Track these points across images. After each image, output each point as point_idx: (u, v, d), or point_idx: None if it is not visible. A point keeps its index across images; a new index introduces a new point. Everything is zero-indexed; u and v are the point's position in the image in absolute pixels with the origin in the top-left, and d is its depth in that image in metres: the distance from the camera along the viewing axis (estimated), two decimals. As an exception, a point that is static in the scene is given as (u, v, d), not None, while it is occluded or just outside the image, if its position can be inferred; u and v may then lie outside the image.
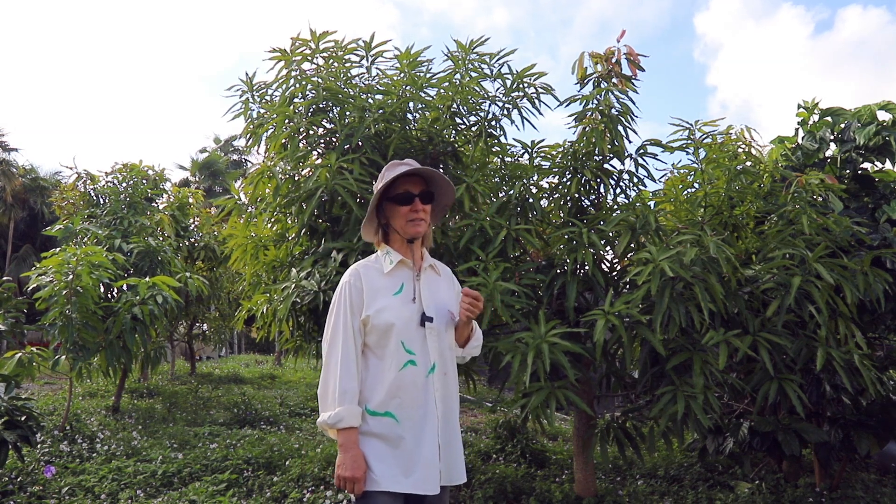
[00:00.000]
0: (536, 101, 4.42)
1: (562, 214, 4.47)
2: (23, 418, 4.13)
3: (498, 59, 4.36)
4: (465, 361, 2.30)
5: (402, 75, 4.40)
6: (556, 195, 4.57)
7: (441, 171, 4.57)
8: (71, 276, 5.72)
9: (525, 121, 4.44)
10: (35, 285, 5.83)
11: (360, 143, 4.27)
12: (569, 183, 4.38)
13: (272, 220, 4.89)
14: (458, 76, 4.38)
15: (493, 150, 4.72)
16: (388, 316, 2.01)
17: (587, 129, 4.24)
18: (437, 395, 2.04)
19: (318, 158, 4.56)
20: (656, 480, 5.13)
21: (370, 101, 4.35)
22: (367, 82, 4.52)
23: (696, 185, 4.47)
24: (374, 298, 2.03)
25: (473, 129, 4.53)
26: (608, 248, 4.16)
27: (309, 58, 4.39)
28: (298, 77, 4.35)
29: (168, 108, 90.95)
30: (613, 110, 4.17)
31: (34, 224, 30.22)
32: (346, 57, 4.47)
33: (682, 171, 4.53)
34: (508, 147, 4.69)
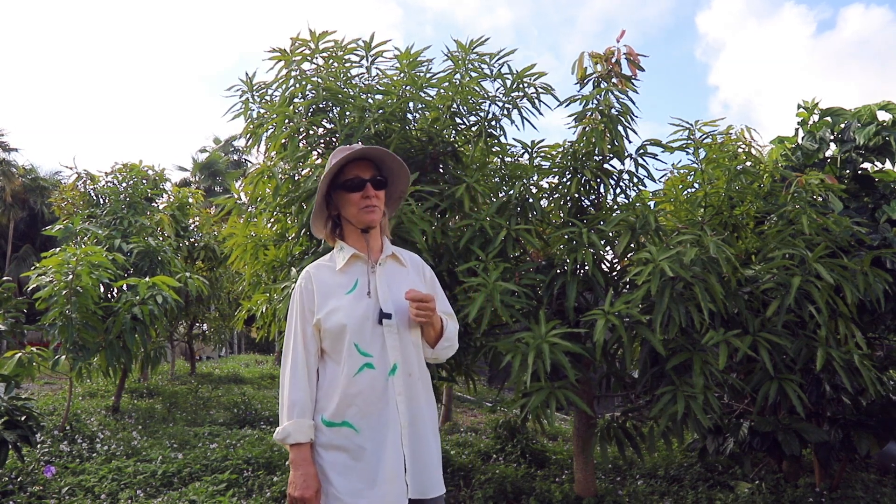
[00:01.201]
0: (536, 101, 4.42)
1: (562, 214, 4.47)
2: (23, 418, 4.13)
3: (498, 59, 4.36)
4: (437, 362, 2.10)
5: (402, 75, 4.40)
6: (556, 195, 4.57)
7: (441, 169, 4.57)
8: (71, 276, 5.72)
9: (525, 121, 4.44)
10: (35, 285, 5.83)
11: (360, 143, 4.27)
12: (569, 183, 4.38)
13: (272, 219, 4.89)
14: (458, 76, 4.38)
15: (493, 150, 4.72)
16: (338, 317, 1.85)
17: (587, 129, 4.24)
18: (400, 398, 1.86)
19: (318, 158, 4.56)
20: (656, 480, 5.13)
21: (370, 101, 4.34)
22: (366, 82, 4.52)
23: (696, 185, 4.47)
24: (326, 300, 1.89)
25: (473, 129, 4.53)
26: (608, 248, 4.17)
27: (309, 58, 4.39)
28: (298, 77, 4.35)
29: (168, 109, 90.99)
30: (613, 110, 4.17)
31: (34, 224, 30.22)
32: (346, 57, 4.47)
33: (682, 171, 4.53)
34: (508, 147, 4.69)
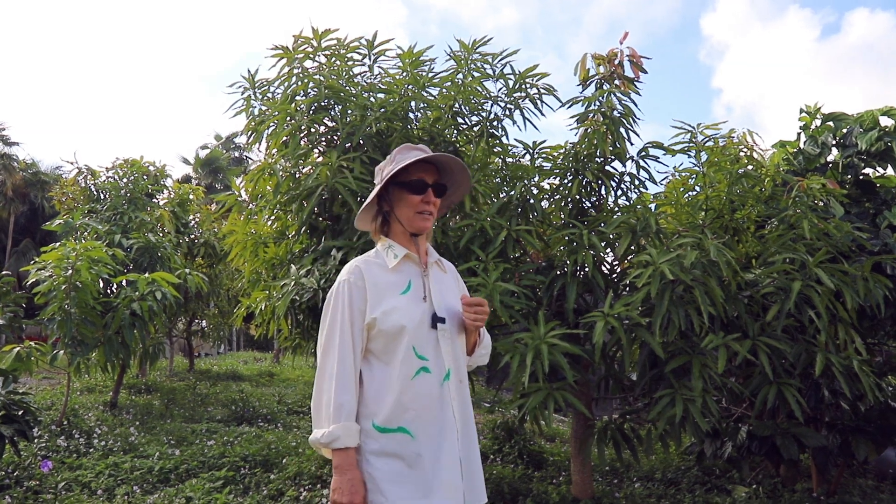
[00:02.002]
0: (538, 102, 4.42)
1: (562, 216, 4.47)
2: (20, 413, 4.13)
3: (500, 59, 4.36)
4: (470, 370, 2.06)
5: (404, 74, 4.40)
6: (557, 196, 4.57)
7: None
8: (70, 271, 5.71)
9: (527, 121, 4.44)
10: (34, 280, 5.83)
11: (361, 142, 4.27)
12: (570, 184, 4.38)
13: (272, 217, 4.89)
14: (460, 76, 4.37)
15: (495, 150, 4.71)
16: (397, 318, 1.76)
17: (589, 130, 4.23)
18: (455, 404, 1.80)
19: (319, 156, 4.56)
20: (653, 483, 5.12)
21: (372, 99, 4.34)
22: (369, 81, 4.52)
23: (697, 188, 4.47)
24: (381, 298, 1.78)
25: (475, 129, 4.53)
26: (608, 250, 4.16)
27: (311, 56, 4.39)
28: (300, 75, 4.35)
29: (170, 107, 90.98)
30: (615, 112, 4.16)
31: (34, 218, 30.22)
32: (349, 55, 4.47)
33: (683, 173, 4.53)
34: (510, 147, 4.68)
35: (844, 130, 4.85)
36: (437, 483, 1.72)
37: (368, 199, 1.90)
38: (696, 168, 4.31)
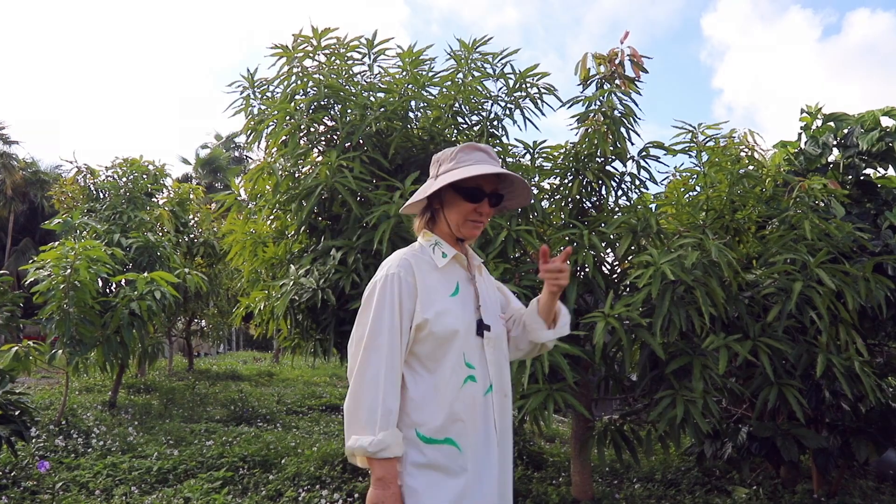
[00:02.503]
0: (539, 102, 4.40)
1: (563, 216, 4.45)
2: (17, 413, 4.11)
3: (501, 59, 4.35)
4: (550, 347, 1.97)
5: (404, 74, 4.39)
6: (558, 196, 4.55)
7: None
8: (69, 271, 5.70)
9: (527, 121, 4.43)
10: (33, 279, 5.81)
11: (360, 142, 4.26)
12: (570, 184, 4.36)
13: (271, 216, 4.88)
14: (460, 75, 4.36)
15: (495, 150, 4.69)
16: (450, 321, 1.64)
17: (589, 130, 4.22)
18: (497, 417, 1.70)
19: (318, 156, 4.55)
20: (653, 484, 5.11)
21: (372, 98, 4.33)
22: (368, 80, 4.51)
23: (697, 189, 4.45)
24: (432, 298, 1.65)
25: (475, 128, 4.52)
26: (609, 250, 4.15)
27: (311, 55, 4.38)
28: (300, 74, 4.34)
29: (171, 106, 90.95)
30: (616, 112, 4.15)
31: (34, 217, 30.20)
32: (349, 54, 4.45)
33: (684, 174, 4.51)
34: (510, 147, 4.67)
35: (845, 131, 4.84)
36: (477, 498, 1.64)
37: (419, 193, 1.78)
38: (697, 168, 4.30)
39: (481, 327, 1.71)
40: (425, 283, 1.66)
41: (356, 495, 4.52)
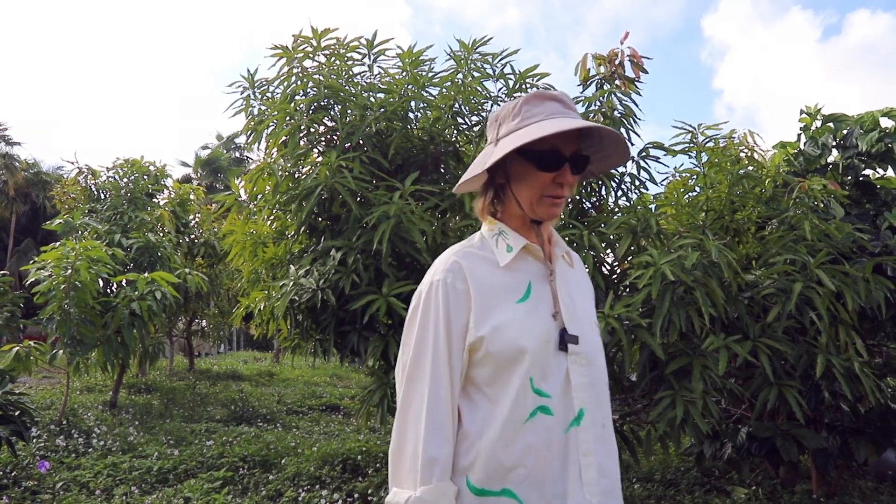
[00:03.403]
0: (539, 102, 4.40)
1: (562, 216, 4.46)
2: (17, 413, 4.12)
3: (501, 59, 4.35)
4: None
5: (404, 74, 4.39)
6: (557, 197, 4.55)
7: (442, 169, 4.54)
8: (69, 271, 5.71)
9: (527, 122, 4.42)
10: (33, 279, 5.82)
11: (360, 142, 4.26)
12: (570, 185, 4.36)
13: (271, 217, 4.88)
14: (460, 76, 4.36)
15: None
16: (513, 336, 1.24)
17: (589, 130, 4.21)
18: (588, 460, 1.25)
19: (318, 156, 4.55)
20: (653, 484, 5.11)
21: (372, 99, 4.33)
22: (368, 80, 4.51)
23: (697, 189, 4.45)
24: (489, 308, 1.26)
25: (475, 129, 4.52)
26: (609, 250, 4.15)
27: (310, 55, 4.38)
28: (300, 74, 4.34)
29: (171, 106, 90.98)
30: (616, 112, 4.15)
31: (36, 218, 30.24)
32: (348, 55, 4.45)
33: (683, 174, 4.52)
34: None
35: (845, 131, 4.84)
36: None
37: (477, 167, 1.34)
38: (697, 169, 4.30)
39: (565, 339, 1.28)
40: (482, 288, 1.27)
41: (356, 495, 4.52)
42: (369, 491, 4.57)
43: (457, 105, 4.41)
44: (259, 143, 4.54)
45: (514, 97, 4.35)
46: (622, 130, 4.15)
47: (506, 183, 1.34)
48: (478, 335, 1.25)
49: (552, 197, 1.30)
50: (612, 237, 4.00)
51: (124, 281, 6.27)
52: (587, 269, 3.87)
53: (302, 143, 4.44)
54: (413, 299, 1.34)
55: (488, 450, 1.24)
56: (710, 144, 4.26)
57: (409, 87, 4.31)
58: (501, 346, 1.24)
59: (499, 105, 4.42)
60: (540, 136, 1.21)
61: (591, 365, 1.31)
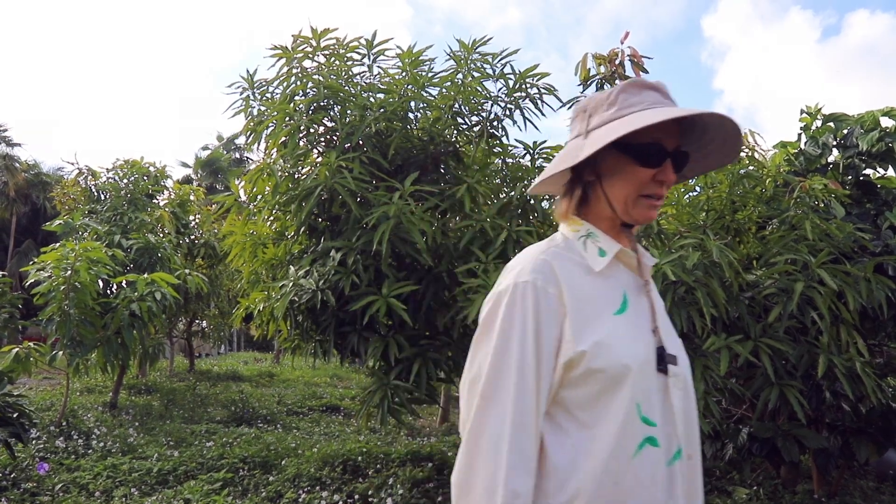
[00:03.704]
0: (539, 102, 4.40)
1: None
2: (15, 415, 4.11)
3: (500, 59, 4.34)
4: None
5: (403, 74, 4.38)
6: (558, 197, 4.54)
7: (442, 169, 4.53)
8: (69, 272, 5.70)
9: (527, 122, 4.42)
10: (33, 280, 5.82)
11: (360, 142, 4.25)
12: (570, 185, 4.35)
13: (271, 217, 4.88)
14: (460, 76, 4.36)
15: (495, 150, 4.69)
16: (618, 354, 1.07)
17: (589, 130, 4.21)
18: (684, 495, 1.12)
19: (318, 157, 4.54)
20: (654, 485, 5.10)
21: (371, 99, 4.32)
22: (368, 81, 4.50)
23: (697, 189, 4.45)
24: (587, 319, 1.08)
25: (475, 129, 4.51)
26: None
27: (310, 55, 4.38)
28: (299, 74, 4.33)
29: (171, 106, 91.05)
30: (616, 112, 4.14)
31: (36, 219, 30.23)
32: (348, 55, 4.45)
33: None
34: (510, 148, 4.66)
35: (845, 131, 4.83)
36: None
37: (563, 162, 1.17)
38: (697, 168, 4.29)
39: (664, 359, 1.12)
40: (577, 294, 1.09)
41: (356, 497, 4.51)
42: (370, 492, 4.56)
43: (457, 105, 4.40)
44: (258, 144, 4.54)
45: (515, 97, 4.38)
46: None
47: (595, 181, 1.18)
48: (578, 349, 1.05)
49: (650, 197, 1.14)
50: (612, 237, 3.99)
51: (124, 282, 6.27)
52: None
53: (301, 143, 4.43)
54: (487, 303, 1.13)
55: (592, 488, 1.04)
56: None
57: (409, 87, 4.30)
58: (604, 365, 1.06)
59: (499, 105, 4.42)
60: (645, 125, 1.06)
61: (686, 389, 1.15)
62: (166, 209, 9.14)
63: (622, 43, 4.26)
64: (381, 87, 4.41)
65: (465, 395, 1.10)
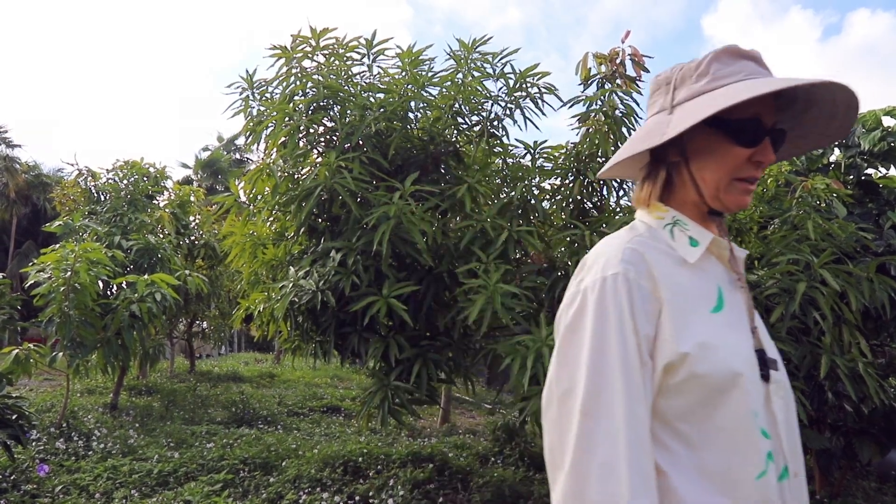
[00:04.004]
0: (539, 102, 4.39)
1: (564, 216, 4.43)
2: (14, 417, 4.09)
3: (501, 59, 4.33)
4: None
5: (403, 74, 4.37)
6: (559, 197, 4.53)
7: (442, 169, 4.52)
8: (69, 273, 5.69)
9: (528, 121, 4.41)
10: (33, 281, 5.80)
11: (360, 142, 4.24)
12: (571, 185, 4.34)
13: (271, 218, 4.86)
14: (460, 75, 4.34)
15: (496, 150, 4.68)
16: (724, 357, 0.94)
17: (590, 130, 4.20)
18: None
19: (317, 157, 4.53)
20: (656, 486, 5.08)
21: (371, 99, 4.31)
22: (368, 80, 4.49)
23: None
24: (686, 317, 0.95)
25: (475, 128, 4.50)
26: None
27: (309, 55, 4.36)
28: (299, 74, 4.32)
29: (171, 106, 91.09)
30: (617, 111, 4.13)
31: (37, 220, 30.23)
32: (347, 55, 4.43)
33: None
34: (510, 147, 4.65)
35: (847, 130, 4.82)
36: None
37: (644, 141, 1.03)
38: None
39: (766, 364, 0.99)
40: (672, 288, 0.96)
41: (357, 498, 4.50)
42: (370, 493, 4.54)
43: (457, 105, 4.39)
44: (258, 144, 4.52)
45: (515, 96, 4.36)
46: (622, 131, 4.12)
47: (680, 162, 1.04)
48: (680, 351, 0.92)
49: (745, 181, 1.01)
50: (613, 237, 3.97)
51: (124, 283, 6.25)
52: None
53: (301, 143, 4.42)
54: (569, 305, 0.99)
55: None
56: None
57: (409, 86, 4.29)
58: (710, 370, 0.92)
59: (499, 104, 4.40)
60: (751, 97, 0.91)
61: (788, 398, 1.02)
62: (166, 210, 9.12)
63: (623, 42, 4.24)
64: (381, 86, 4.40)
65: (555, 414, 0.93)
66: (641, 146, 1.03)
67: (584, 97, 4.26)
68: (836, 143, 4.81)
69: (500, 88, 4.40)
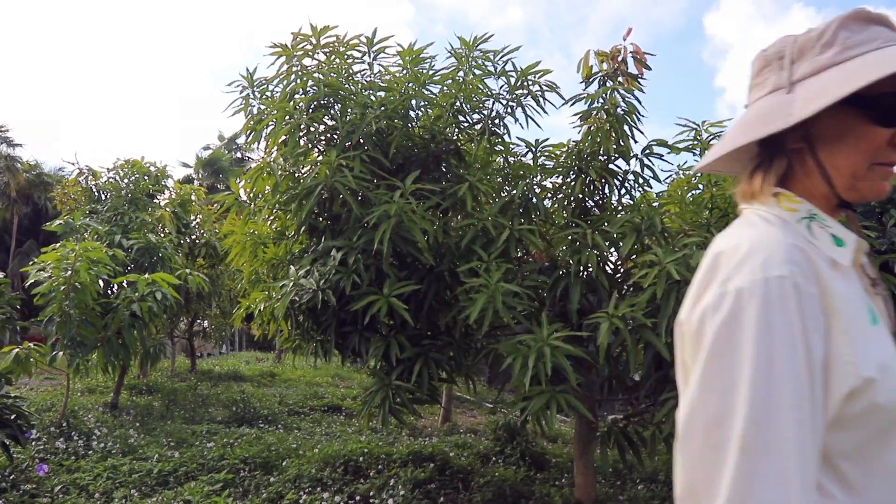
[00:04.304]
0: (541, 99, 4.36)
1: (565, 215, 4.41)
2: (13, 417, 4.08)
3: (502, 56, 4.31)
4: None
5: (404, 72, 4.35)
6: (560, 195, 4.51)
7: (443, 167, 4.50)
8: (69, 272, 5.67)
9: (529, 119, 4.39)
10: (34, 280, 5.79)
11: (361, 141, 4.22)
12: (573, 183, 4.32)
13: (271, 217, 4.85)
14: (461, 73, 4.32)
15: (497, 148, 4.66)
16: None
17: (592, 128, 4.18)
18: None
19: (318, 155, 4.51)
20: (657, 485, 5.06)
21: (372, 97, 4.29)
22: (369, 79, 4.47)
23: (701, 187, 4.40)
24: (856, 333, 0.80)
25: (477, 127, 4.48)
26: (612, 249, 4.10)
27: (310, 53, 4.34)
28: (299, 73, 4.30)
29: (172, 106, 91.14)
30: (619, 109, 4.11)
31: (38, 219, 30.23)
32: (348, 53, 4.41)
33: (687, 172, 4.47)
34: (512, 146, 4.63)
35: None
36: None
37: (761, 126, 0.87)
38: (701, 166, 4.25)
39: None
40: (839, 297, 0.80)
41: (357, 497, 4.48)
42: (371, 493, 4.53)
43: (458, 103, 4.36)
44: (258, 143, 4.50)
45: (516, 94, 4.33)
46: (625, 128, 4.10)
47: (805, 147, 0.88)
48: (864, 376, 0.76)
49: (883, 164, 0.86)
50: (615, 236, 3.95)
51: (125, 282, 6.24)
52: (591, 269, 3.86)
53: (302, 142, 4.40)
54: (715, 304, 0.79)
55: None
56: (714, 142, 4.21)
57: (410, 84, 4.27)
58: (891, 399, 0.78)
59: (500, 102, 4.38)
60: (885, 72, 0.77)
61: None
62: (167, 209, 9.11)
63: (624, 39, 4.22)
64: (382, 84, 4.38)
65: (699, 446, 0.76)
66: (762, 131, 0.86)
67: (585, 95, 4.24)
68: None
69: (502, 86, 4.38)
